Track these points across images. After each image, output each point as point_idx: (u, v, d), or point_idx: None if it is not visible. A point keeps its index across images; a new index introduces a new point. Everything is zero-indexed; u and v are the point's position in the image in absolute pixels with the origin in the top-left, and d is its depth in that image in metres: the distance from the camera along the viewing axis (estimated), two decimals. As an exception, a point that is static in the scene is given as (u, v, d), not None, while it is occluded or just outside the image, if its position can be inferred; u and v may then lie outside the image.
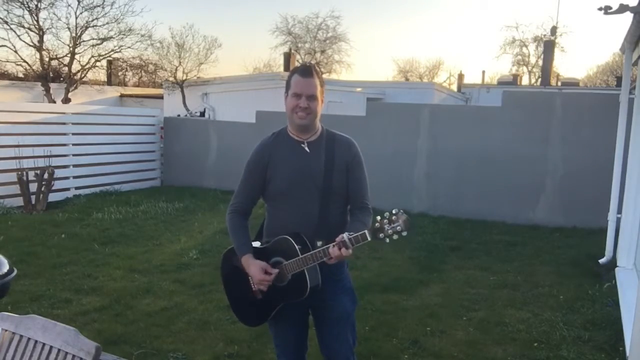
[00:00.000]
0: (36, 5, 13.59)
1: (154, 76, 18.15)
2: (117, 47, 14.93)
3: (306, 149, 2.22)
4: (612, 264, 5.38)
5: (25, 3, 13.38)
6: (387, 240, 1.97)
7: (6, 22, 13.35)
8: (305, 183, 2.18)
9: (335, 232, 2.09)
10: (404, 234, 1.97)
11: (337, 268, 2.19)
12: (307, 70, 2.17)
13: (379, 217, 1.99)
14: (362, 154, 2.30)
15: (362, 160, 2.29)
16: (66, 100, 13.60)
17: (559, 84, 24.18)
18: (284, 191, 2.22)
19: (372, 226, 2.01)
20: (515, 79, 24.29)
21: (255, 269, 2.17)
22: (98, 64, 15.53)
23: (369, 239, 2.00)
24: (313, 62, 32.67)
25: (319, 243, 2.10)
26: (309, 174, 2.19)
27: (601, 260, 5.57)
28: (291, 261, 2.13)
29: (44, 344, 1.72)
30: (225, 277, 2.40)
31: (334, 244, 2.03)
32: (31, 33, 13.83)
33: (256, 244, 2.30)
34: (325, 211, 2.18)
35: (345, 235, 2.01)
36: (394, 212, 1.97)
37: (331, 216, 2.20)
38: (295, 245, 2.12)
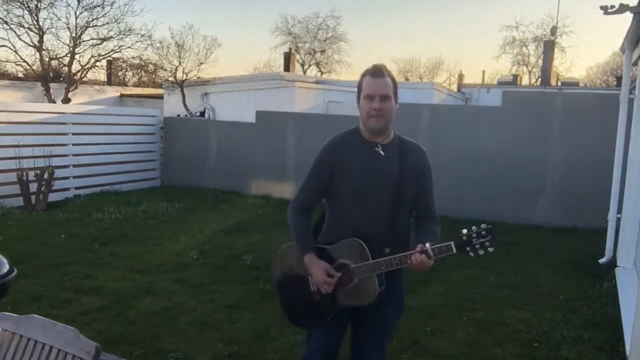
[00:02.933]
0: (36, 5, 13.59)
1: (154, 76, 18.14)
2: (117, 47, 14.93)
3: (381, 152, 2.16)
4: (612, 264, 5.38)
5: (25, 3, 13.37)
6: (472, 254, 1.92)
7: (6, 22, 13.35)
8: (378, 186, 2.12)
9: (401, 240, 2.06)
10: (491, 249, 1.92)
11: (397, 276, 2.14)
12: (378, 71, 2.11)
13: (465, 230, 1.94)
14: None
15: (431, 169, 2.26)
16: (66, 100, 13.59)
17: (559, 84, 24.18)
18: (355, 192, 2.14)
19: (459, 239, 1.94)
20: (515, 79, 24.27)
21: (317, 269, 2.11)
22: (98, 64, 15.53)
23: (455, 251, 1.94)
24: (313, 62, 32.81)
25: (387, 250, 2.05)
26: (381, 176, 2.13)
27: (601, 260, 5.57)
28: (361, 265, 2.06)
29: (44, 344, 1.72)
30: (280, 275, 2.34)
31: (413, 252, 1.97)
32: (31, 33, 13.83)
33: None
34: (395, 217, 2.13)
35: (427, 245, 1.95)
36: (482, 226, 1.93)
37: (399, 223, 2.15)
38: (367, 249, 2.06)
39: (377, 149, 2.16)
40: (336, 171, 2.16)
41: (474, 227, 1.94)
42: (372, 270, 2.04)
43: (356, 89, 2.18)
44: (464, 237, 1.93)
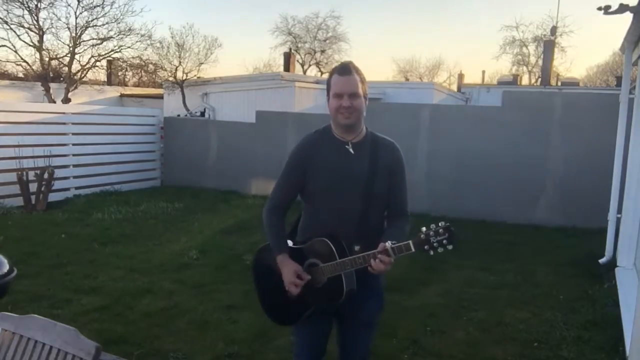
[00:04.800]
0: (36, 5, 13.61)
1: (154, 76, 18.16)
2: (117, 47, 14.97)
3: (350, 150, 2.16)
4: (612, 264, 5.38)
5: (25, 3, 13.40)
6: (432, 252, 1.92)
7: (6, 22, 13.38)
8: (348, 185, 2.12)
9: (373, 237, 2.05)
10: (450, 247, 1.90)
11: (372, 274, 2.13)
12: (345, 68, 2.11)
13: (424, 229, 1.93)
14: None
15: (404, 165, 2.24)
16: (66, 100, 13.60)
17: (559, 84, 24.19)
18: (324, 191, 2.15)
19: (417, 237, 1.94)
20: (515, 79, 24.31)
21: (287, 271, 2.12)
22: (98, 64, 15.57)
23: (413, 250, 1.94)
24: (313, 62, 32.81)
25: (357, 248, 2.06)
26: (351, 176, 2.13)
27: (601, 260, 5.57)
28: (328, 264, 2.08)
29: (44, 344, 1.72)
30: (258, 274, 2.36)
31: (375, 251, 1.97)
32: (31, 33, 13.87)
33: (289, 242, 2.25)
34: (365, 215, 2.12)
35: (388, 244, 1.95)
36: (440, 224, 1.92)
37: (370, 220, 2.15)
38: (333, 248, 2.07)
39: (347, 146, 2.17)
40: (307, 171, 2.17)
41: (432, 225, 1.93)
42: (339, 270, 2.06)
43: (326, 88, 2.17)
44: (422, 236, 1.93)
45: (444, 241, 1.91)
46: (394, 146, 2.25)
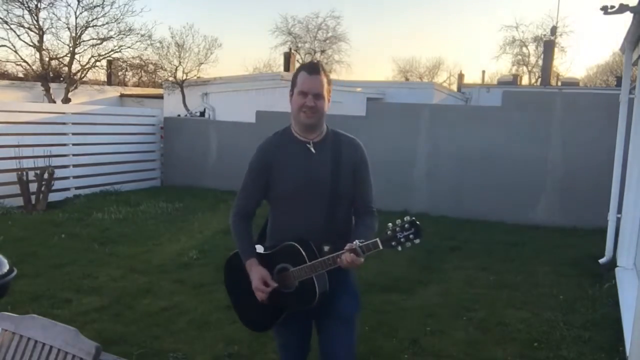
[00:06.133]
0: (36, 5, 13.62)
1: (154, 76, 18.17)
2: (117, 47, 14.98)
3: (312, 149, 2.13)
4: (612, 264, 5.38)
5: (25, 3, 13.40)
6: (400, 248, 1.92)
7: (6, 22, 13.39)
8: (312, 185, 2.10)
9: (342, 236, 2.05)
10: (417, 241, 1.91)
11: (344, 273, 2.14)
12: (313, 68, 2.10)
13: (390, 225, 1.93)
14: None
15: (368, 162, 2.22)
16: (66, 100, 13.60)
17: (559, 84, 24.20)
18: (289, 194, 2.13)
19: (384, 234, 1.94)
20: (515, 79, 24.28)
21: (255, 276, 2.11)
22: (98, 64, 15.58)
23: (381, 247, 1.93)
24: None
25: (326, 248, 2.05)
26: (315, 176, 2.10)
27: (601, 260, 5.57)
28: (298, 268, 2.06)
29: (44, 344, 1.72)
30: (230, 282, 2.34)
31: (343, 251, 1.96)
32: (31, 33, 13.87)
33: (259, 247, 2.23)
34: (331, 214, 2.11)
35: (356, 243, 1.94)
36: (405, 219, 1.92)
37: (338, 220, 2.13)
38: (303, 251, 2.05)
39: (308, 146, 2.15)
40: (270, 174, 2.15)
41: (398, 221, 1.93)
42: (310, 273, 2.04)
43: (290, 83, 2.15)
44: (389, 232, 1.93)
45: (411, 236, 1.91)
46: (356, 143, 2.23)
